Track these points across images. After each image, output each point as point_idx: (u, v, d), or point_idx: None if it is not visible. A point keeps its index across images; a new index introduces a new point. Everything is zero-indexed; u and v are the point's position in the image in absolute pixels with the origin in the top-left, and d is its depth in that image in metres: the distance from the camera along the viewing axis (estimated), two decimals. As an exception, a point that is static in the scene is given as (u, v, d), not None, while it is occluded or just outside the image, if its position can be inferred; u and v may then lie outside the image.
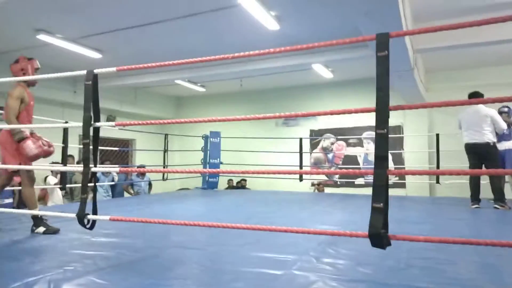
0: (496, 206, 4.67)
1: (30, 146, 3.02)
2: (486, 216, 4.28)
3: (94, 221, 2.23)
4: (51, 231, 3.10)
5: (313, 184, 9.92)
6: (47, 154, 3.16)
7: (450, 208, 4.97)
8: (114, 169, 2.51)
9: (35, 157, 3.10)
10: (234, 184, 10.29)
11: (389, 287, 1.82)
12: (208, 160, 8.04)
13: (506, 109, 5.38)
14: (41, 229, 3.10)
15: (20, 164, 3.10)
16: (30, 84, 3.26)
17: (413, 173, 1.58)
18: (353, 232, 1.56)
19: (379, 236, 1.46)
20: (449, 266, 2.17)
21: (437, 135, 6.67)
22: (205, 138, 8.22)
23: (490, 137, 4.69)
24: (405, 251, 2.46)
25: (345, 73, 9.04)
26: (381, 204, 1.48)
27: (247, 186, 10.23)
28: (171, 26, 6.04)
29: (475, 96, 4.79)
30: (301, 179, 8.04)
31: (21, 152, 3.06)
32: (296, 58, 7.31)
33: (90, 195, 2.49)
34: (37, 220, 3.14)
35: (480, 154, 4.73)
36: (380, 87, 1.62)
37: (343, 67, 8.43)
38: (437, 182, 6.72)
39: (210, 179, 8.04)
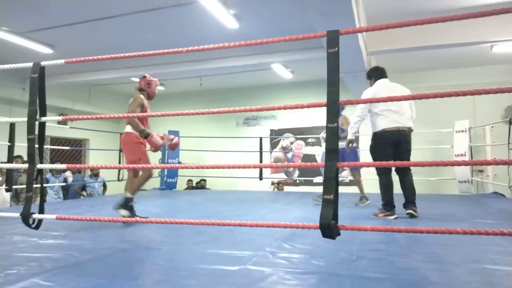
0: (412, 212, 3.71)
1: (156, 139, 3.67)
2: (436, 210, 4.50)
3: (40, 221, 2.12)
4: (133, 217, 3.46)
5: (272, 183, 10.01)
6: (172, 144, 3.91)
7: (401, 203, 5.18)
8: (61, 166, 2.39)
9: (160, 147, 3.76)
10: (194, 184, 10.16)
11: (340, 277, 1.87)
12: (166, 160, 7.88)
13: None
14: (124, 212, 3.50)
15: (139, 159, 3.62)
16: (150, 96, 3.95)
17: (362, 165, 1.63)
18: (305, 224, 1.58)
19: (329, 227, 1.49)
20: (398, 257, 2.26)
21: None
22: (163, 137, 8.05)
23: (411, 123, 3.83)
24: (357, 244, 2.54)
25: (305, 74, 9.20)
26: (331, 195, 1.51)
27: (207, 187, 10.14)
28: (128, 21, 5.86)
29: (379, 72, 4.07)
30: (261, 178, 8.08)
31: (142, 149, 3.71)
32: (256, 57, 7.35)
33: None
34: (125, 203, 3.56)
35: (398, 144, 3.72)
36: (331, 83, 1.66)
37: (302, 67, 8.57)
38: (390, 179, 6.99)
39: (168, 180, 7.89)
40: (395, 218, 3.69)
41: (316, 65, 7.65)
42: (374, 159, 3.75)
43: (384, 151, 3.70)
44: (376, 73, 4.06)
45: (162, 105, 11.39)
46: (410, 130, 3.81)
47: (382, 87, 3.87)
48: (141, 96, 3.83)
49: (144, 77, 3.99)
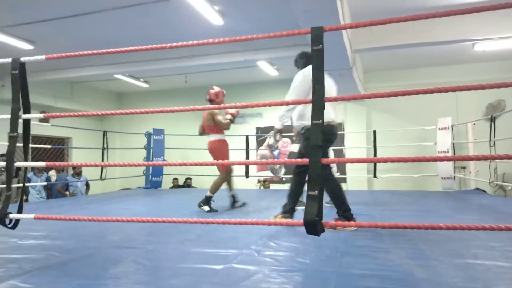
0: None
1: (236, 111, 4.35)
2: (420, 206, 4.57)
3: (17, 221, 2.06)
4: (213, 211, 4.15)
5: (259, 181, 10.01)
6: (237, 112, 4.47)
7: (385, 200, 5.25)
8: (40, 164, 2.34)
9: (236, 111, 4.39)
10: (180, 183, 10.08)
11: (325, 274, 1.87)
12: (151, 159, 7.80)
13: None
14: (206, 208, 4.16)
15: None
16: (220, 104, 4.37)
17: (346, 161, 1.63)
18: (289, 221, 1.57)
19: (313, 223, 1.49)
20: (382, 253, 2.28)
21: (374, 131, 7.04)
22: (148, 135, 7.97)
23: None
24: (342, 241, 2.55)
25: (290, 71, 9.12)
26: (316, 192, 1.50)
27: (193, 185, 10.08)
28: (111, 17, 5.76)
29: (307, 57, 3.50)
30: (247, 176, 8.06)
31: (225, 152, 4.44)
32: (241, 54, 7.31)
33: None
34: (206, 200, 4.20)
35: (332, 142, 3.26)
36: (316, 80, 1.65)
37: (288, 65, 8.51)
38: (374, 176, 7.08)
39: (153, 178, 7.81)
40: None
41: (302, 63, 7.65)
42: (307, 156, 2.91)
43: (325, 148, 3.08)
44: (307, 60, 3.42)
45: (146, 103, 11.29)
46: None
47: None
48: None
49: (212, 89, 4.46)
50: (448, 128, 6.59)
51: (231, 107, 2.08)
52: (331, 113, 3.13)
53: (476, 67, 8.50)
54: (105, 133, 7.06)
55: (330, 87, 3.35)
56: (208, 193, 4.24)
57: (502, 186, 7.41)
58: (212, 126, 4.34)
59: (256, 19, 5.96)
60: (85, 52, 2.15)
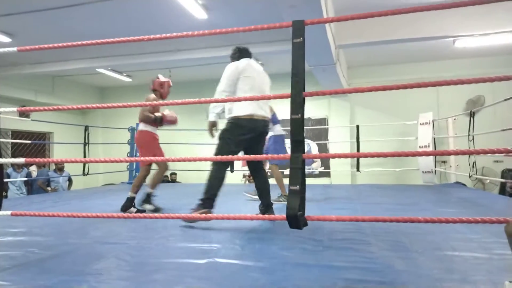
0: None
1: (169, 115, 4.07)
2: (401, 200, 4.64)
3: (-5, 218, 2.01)
4: (157, 209, 3.91)
5: (244, 176, 10.01)
6: (175, 120, 4.18)
7: (368, 193, 5.33)
8: (19, 160, 2.28)
9: (176, 118, 4.19)
10: (164, 178, 10.01)
11: (308, 267, 1.89)
12: (135, 154, 7.71)
13: None
14: (149, 206, 3.90)
15: (154, 156, 3.86)
16: (162, 96, 4.15)
17: (327, 156, 1.65)
18: (272, 216, 1.58)
19: (296, 218, 1.50)
20: (364, 245, 2.31)
21: (358, 126, 7.12)
22: (132, 130, 7.87)
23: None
24: (325, 234, 2.58)
25: (275, 66, 9.16)
26: (298, 186, 1.51)
27: (177, 180, 10.02)
28: (94, 9, 5.64)
29: (243, 52, 3.59)
30: (232, 170, 8.05)
31: (156, 144, 4.08)
32: (225, 49, 7.24)
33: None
34: (147, 198, 3.94)
35: (260, 135, 3.23)
36: (295, 73, 1.65)
37: (273, 60, 8.55)
38: (357, 170, 7.17)
39: (137, 173, 7.72)
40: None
41: (286, 57, 7.66)
42: (221, 146, 3.07)
43: (242, 142, 3.08)
44: (241, 54, 3.53)
45: (129, 97, 11.12)
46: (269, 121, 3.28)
47: (250, 64, 3.38)
48: (152, 96, 4.07)
49: (157, 78, 4.18)
50: (429, 123, 6.71)
51: (210, 102, 2.06)
52: (254, 106, 3.13)
53: (456, 63, 8.66)
54: (86, 128, 6.95)
55: (265, 81, 3.45)
56: (148, 190, 4.01)
57: (481, 179, 7.61)
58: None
59: (241, 14, 5.93)
60: (62, 44, 2.10)
